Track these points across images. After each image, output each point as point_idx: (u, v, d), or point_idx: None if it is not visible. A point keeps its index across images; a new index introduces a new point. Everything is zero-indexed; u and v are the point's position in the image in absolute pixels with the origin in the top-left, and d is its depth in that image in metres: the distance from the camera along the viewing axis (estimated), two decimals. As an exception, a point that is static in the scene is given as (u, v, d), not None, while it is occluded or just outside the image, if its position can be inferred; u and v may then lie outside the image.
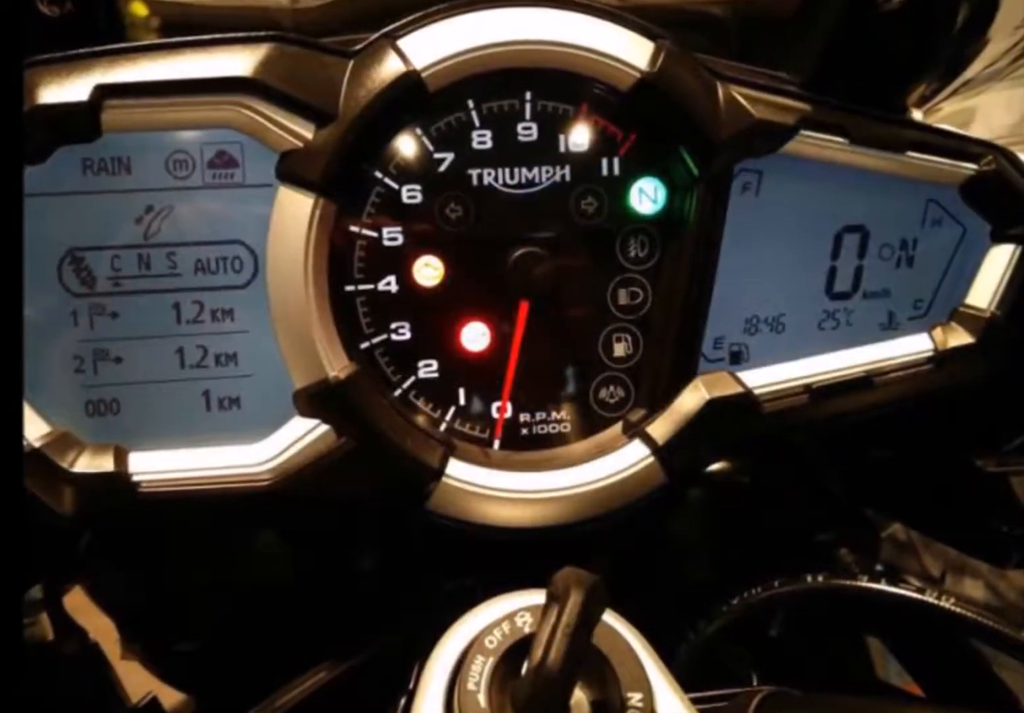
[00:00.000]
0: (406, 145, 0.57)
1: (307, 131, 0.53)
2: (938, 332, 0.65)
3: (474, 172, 0.58)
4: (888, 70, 0.61)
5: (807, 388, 0.62)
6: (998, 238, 0.65)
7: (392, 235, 0.58)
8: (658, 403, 0.61)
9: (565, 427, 0.62)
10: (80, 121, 0.51)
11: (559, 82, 0.57)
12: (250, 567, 0.72)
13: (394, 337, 0.59)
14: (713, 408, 0.60)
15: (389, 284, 0.58)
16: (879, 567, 0.77)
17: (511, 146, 0.58)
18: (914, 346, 0.65)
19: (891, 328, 0.66)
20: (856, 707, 0.51)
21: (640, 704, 0.43)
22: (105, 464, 0.54)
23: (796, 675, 0.63)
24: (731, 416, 0.61)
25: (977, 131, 0.68)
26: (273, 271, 0.55)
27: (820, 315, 0.64)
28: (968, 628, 0.54)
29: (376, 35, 0.55)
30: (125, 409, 0.56)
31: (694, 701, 0.46)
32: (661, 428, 0.60)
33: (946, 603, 0.54)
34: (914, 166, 0.62)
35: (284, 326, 0.55)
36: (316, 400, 0.56)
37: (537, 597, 0.47)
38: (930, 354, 0.65)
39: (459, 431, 0.61)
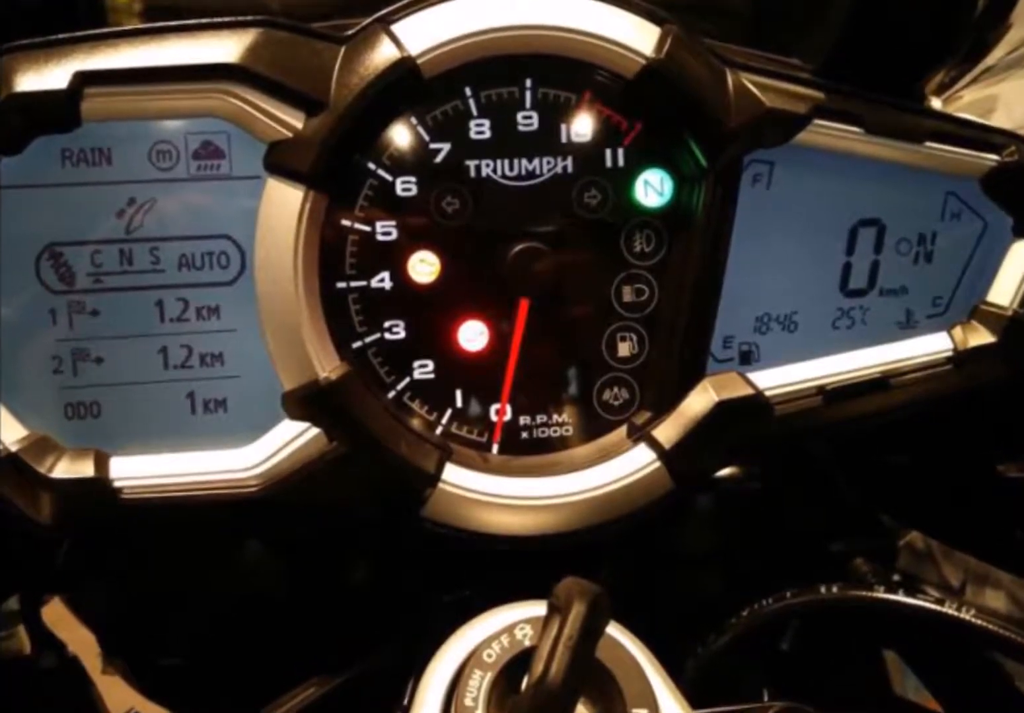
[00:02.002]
0: (400, 135, 0.57)
1: (296, 120, 0.53)
2: (958, 331, 0.65)
3: (472, 163, 0.58)
4: (906, 56, 0.61)
5: (820, 390, 0.62)
6: (1021, 232, 0.65)
7: (386, 229, 0.58)
8: (664, 405, 0.61)
9: (567, 430, 0.62)
10: (59, 110, 0.51)
11: (561, 69, 0.57)
12: (237, 578, 0.72)
13: (388, 336, 0.59)
14: (722, 410, 0.60)
15: (383, 281, 0.58)
16: (896, 577, 0.77)
17: (510, 136, 0.58)
18: (933, 346, 0.65)
19: (909, 327, 0.66)
20: (872, 724, 0.51)
21: (646, 721, 0.43)
22: (85, 469, 0.54)
23: (809, 690, 0.63)
24: (741, 419, 0.61)
25: (999, 120, 0.68)
26: (261, 267, 0.55)
27: (834, 313, 0.64)
28: (989, 641, 0.54)
29: (369, 20, 0.55)
30: (106, 412, 0.56)
31: (702, 718, 0.46)
32: (668, 431, 0.60)
33: (966, 615, 0.54)
34: (933, 157, 0.62)
35: (272, 325, 0.55)
36: (306, 402, 0.56)
37: (538, 608, 0.47)
38: (949, 354, 0.65)
39: (456, 435, 0.61)
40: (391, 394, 0.60)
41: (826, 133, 0.60)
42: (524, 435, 0.62)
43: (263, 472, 0.56)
